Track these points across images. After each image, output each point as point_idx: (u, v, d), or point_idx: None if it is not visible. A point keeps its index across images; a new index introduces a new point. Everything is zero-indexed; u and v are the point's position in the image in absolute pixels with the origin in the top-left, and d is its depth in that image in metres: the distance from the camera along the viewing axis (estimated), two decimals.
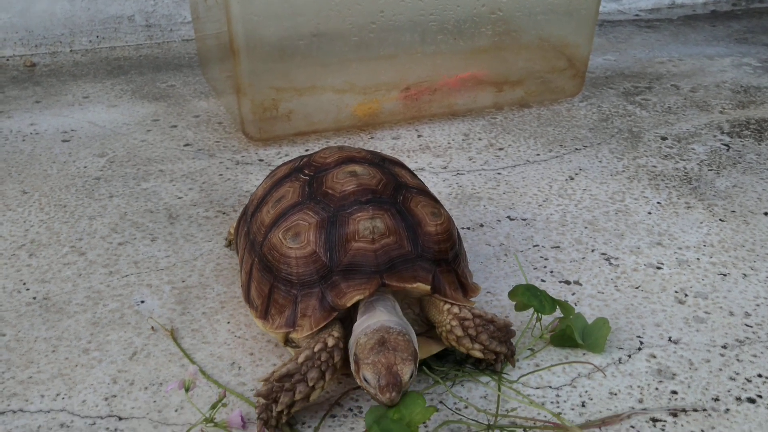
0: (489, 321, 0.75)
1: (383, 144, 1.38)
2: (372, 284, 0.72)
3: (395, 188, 0.80)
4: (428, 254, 0.76)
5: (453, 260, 0.78)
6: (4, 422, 0.75)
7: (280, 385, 0.69)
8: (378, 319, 0.69)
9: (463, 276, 0.79)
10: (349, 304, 0.72)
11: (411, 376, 0.66)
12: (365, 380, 0.66)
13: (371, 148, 1.33)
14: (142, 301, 0.93)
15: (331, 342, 0.71)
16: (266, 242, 0.78)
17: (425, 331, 0.79)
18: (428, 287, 0.74)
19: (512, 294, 0.83)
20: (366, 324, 0.69)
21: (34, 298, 0.94)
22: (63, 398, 0.78)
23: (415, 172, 1.25)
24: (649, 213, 1.13)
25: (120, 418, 0.75)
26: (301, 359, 0.70)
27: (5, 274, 0.99)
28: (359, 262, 0.73)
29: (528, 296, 0.82)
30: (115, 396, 0.78)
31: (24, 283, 0.97)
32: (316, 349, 0.70)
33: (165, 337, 0.86)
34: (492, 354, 0.76)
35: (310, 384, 0.69)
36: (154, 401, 0.77)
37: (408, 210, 0.77)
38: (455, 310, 0.74)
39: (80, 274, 0.99)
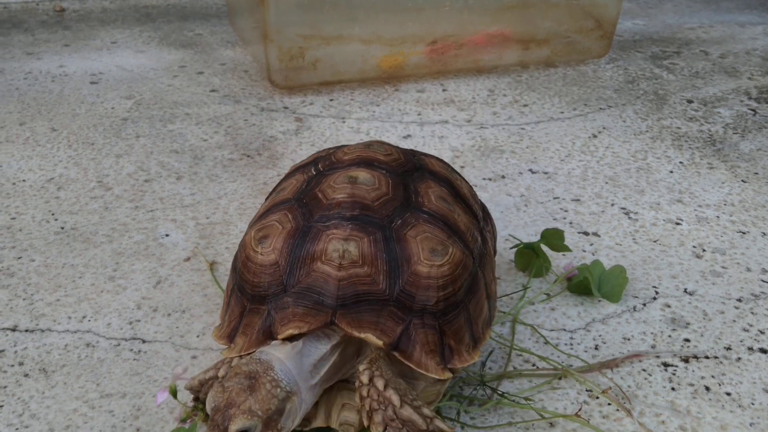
0: (387, 401, 0.57)
1: (408, 96, 1.39)
2: (317, 319, 0.58)
3: (399, 208, 0.64)
4: (407, 299, 0.60)
5: (444, 313, 0.61)
6: (33, 339, 0.77)
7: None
8: (282, 353, 0.57)
9: (456, 336, 0.62)
10: (280, 337, 0.59)
11: None
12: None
13: (395, 101, 1.33)
14: (167, 235, 0.95)
15: (222, 373, 0.61)
16: (243, 237, 0.68)
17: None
18: (380, 342, 0.58)
19: (516, 256, 0.89)
20: (271, 351, 0.58)
21: (62, 228, 0.96)
22: (89, 320, 0.80)
23: (439, 124, 1.26)
24: (671, 172, 1.13)
25: (144, 341, 0.77)
26: (195, 383, 0.63)
27: (34, 205, 1.01)
28: (318, 287, 0.60)
29: (524, 261, 0.88)
30: (139, 321, 0.80)
31: (52, 214, 0.99)
32: (207, 377, 0.62)
33: (188, 268, 0.88)
34: None
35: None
36: (177, 327, 0.79)
37: (400, 239, 0.62)
38: (360, 367, 0.59)
39: (107, 207, 1.01)
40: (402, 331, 0.59)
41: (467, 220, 0.69)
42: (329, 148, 0.77)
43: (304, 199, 0.66)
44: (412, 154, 0.75)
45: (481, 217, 0.75)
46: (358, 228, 0.62)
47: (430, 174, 0.71)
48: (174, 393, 0.64)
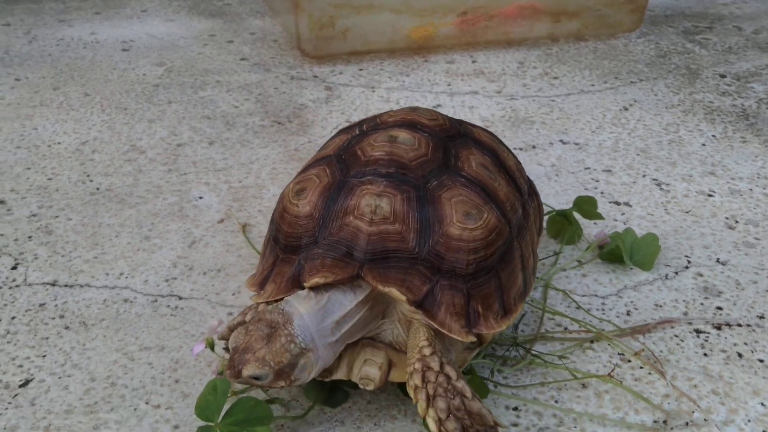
0: (458, 392, 0.56)
1: (437, 67, 1.38)
2: (345, 271, 0.59)
3: (437, 170, 0.64)
4: (436, 260, 0.60)
5: (473, 277, 0.61)
6: (72, 294, 0.79)
7: None
8: (305, 308, 0.58)
9: (484, 302, 0.61)
10: (307, 285, 0.60)
11: (257, 379, 0.55)
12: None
13: (424, 71, 1.33)
14: (201, 197, 0.96)
15: (249, 318, 0.63)
16: (283, 190, 0.69)
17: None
18: (403, 298, 0.58)
19: (548, 224, 0.88)
20: (295, 304, 0.59)
21: (98, 189, 0.98)
22: (126, 277, 0.81)
23: (469, 95, 1.26)
24: (703, 144, 1.12)
25: (180, 298, 0.78)
26: (225, 332, 0.66)
27: (70, 167, 1.03)
28: (349, 241, 0.60)
29: (556, 228, 0.88)
30: (175, 278, 0.81)
31: (88, 175, 1.01)
32: (235, 323, 0.65)
33: (222, 229, 0.89)
34: None
35: None
36: (213, 285, 0.80)
37: (434, 199, 0.62)
38: (426, 351, 0.58)
39: (140, 170, 1.02)
40: (428, 291, 0.59)
41: (508, 190, 0.68)
42: (383, 113, 0.77)
43: (344, 155, 0.67)
44: (459, 122, 0.74)
45: (526, 192, 0.74)
46: (392, 185, 0.62)
47: (475, 142, 0.71)
48: (211, 345, 0.66)
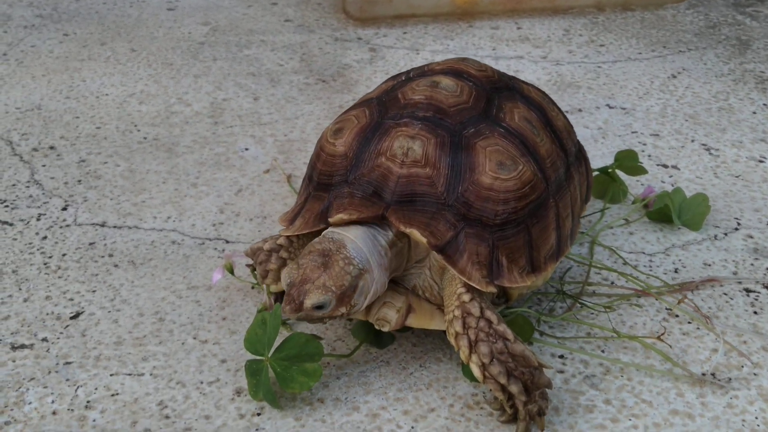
0: (500, 336, 0.56)
1: (482, 32, 1.37)
2: (370, 210, 0.60)
3: (476, 118, 0.63)
4: (464, 208, 0.60)
5: (501, 229, 0.60)
6: (121, 235, 0.80)
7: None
8: (353, 233, 0.59)
9: (510, 256, 0.60)
10: (332, 221, 0.60)
11: (320, 308, 0.56)
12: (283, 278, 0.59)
13: (469, 36, 1.32)
14: (247, 149, 0.97)
15: (267, 246, 0.65)
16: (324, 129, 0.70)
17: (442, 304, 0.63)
18: (424, 240, 0.58)
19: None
20: (342, 232, 0.59)
21: (145, 138, 0.99)
22: (174, 221, 0.82)
23: (514, 59, 1.25)
24: (754, 113, 1.10)
25: (227, 242, 0.79)
26: (249, 251, 0.67)
27: (117, 117, 1.04)
28: (378, 181, 0.61)
29: (600, 188, 0.86)
30: (222, 223, 0.82)
31: (135, 125, 1.02)
32: (254, 247, 0.66)
33: (268, 179, 0.90)
34: (497, 386, 0.56)
35: (261, 276, 0.66)
36: (259, 231, 0.81)
37: (468, 147, 0.61)
38: (465, 297, 0.57)
39: (187, 121, 1.03)
40: (452, 237, 0.59)
41: (551, 148, 0.67)
42: (428, 63, 0.76)
43: (385, 98, 0.67)
44: (509, 77, 0.73)
45: (573, 154, 0.72)
46: (427, 128, 0.62)
47: (523, 97, 0.69)
48: (230, 269, 0.69)
